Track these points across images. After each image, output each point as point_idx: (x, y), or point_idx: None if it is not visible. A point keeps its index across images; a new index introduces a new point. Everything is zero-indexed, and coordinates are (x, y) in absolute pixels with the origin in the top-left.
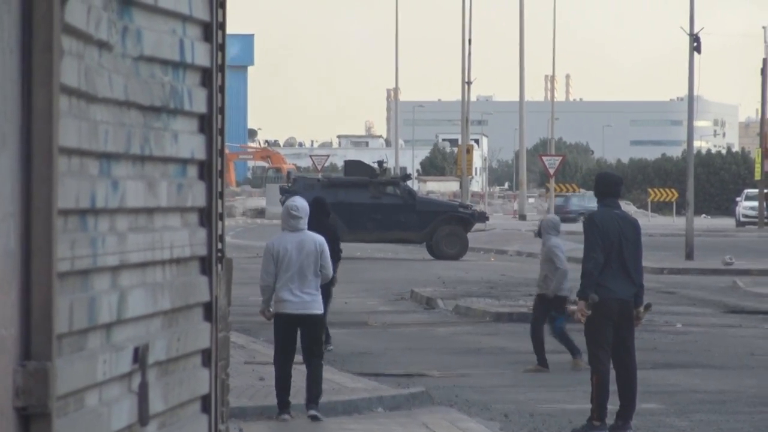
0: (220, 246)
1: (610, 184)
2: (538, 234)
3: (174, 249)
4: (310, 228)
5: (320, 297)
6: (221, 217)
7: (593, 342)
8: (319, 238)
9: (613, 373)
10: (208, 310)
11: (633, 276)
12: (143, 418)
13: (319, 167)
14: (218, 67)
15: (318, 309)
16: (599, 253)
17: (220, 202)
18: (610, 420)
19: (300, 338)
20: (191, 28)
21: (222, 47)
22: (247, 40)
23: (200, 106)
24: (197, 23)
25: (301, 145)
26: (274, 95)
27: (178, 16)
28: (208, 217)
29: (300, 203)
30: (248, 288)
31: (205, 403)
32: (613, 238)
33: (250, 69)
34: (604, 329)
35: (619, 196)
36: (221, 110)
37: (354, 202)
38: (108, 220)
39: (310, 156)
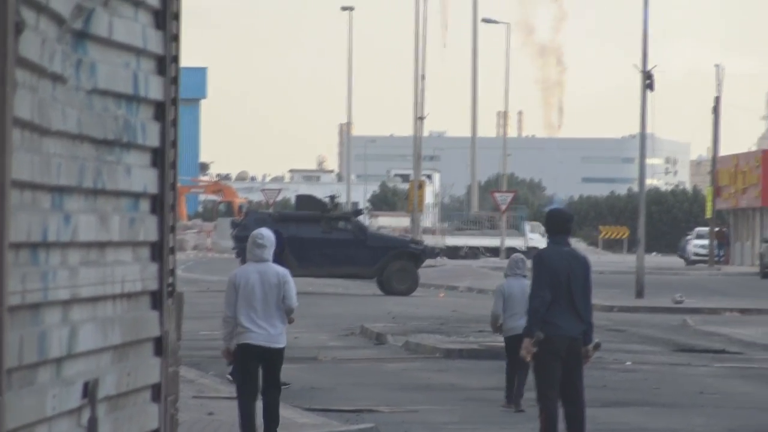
0: (171, 280)
1: (560, 221)
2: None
3: (125, 283)
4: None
5: (284, 330)
6: (172, 251)
7: (541, 380)
8: (282, 270)
9: (561, 411)
10: (159, 345)
11: (581, 313)
12: None
13: (270, 201)
14: (172, 100)
15: (282, 343)
16: (546, 290)
17: (171, 236)
18: None
19: (263, 374)
20: (145, 62)
21: (176, 80)
22: (200, 74)
23: (153, 140)
24: (151, 57)
25: (253, 179)
26: (227, 129)
27: (132, 49)
28: (159, 251)
29: (266, 233)
30: (199, 322)
31: None
32: (562, 275)
33: (202, 102)
34: (552, 367)
35: (569, 233)
36: (174, 144)
37: (305, 236)
38: (59, 254)
39: (262, 190)
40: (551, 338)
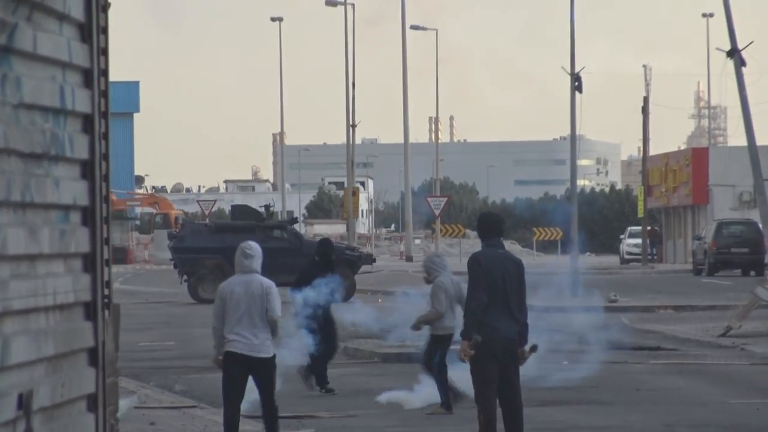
0: (107, 292)
1: (492, 223)
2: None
3: (57, 295)
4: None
5: (269, 340)
6: (107, 262)
7: (479, 381)
8: (266, 281)
9: (500, 411)
10: (94, 356)
11: (517, 315)
12: None
13: (206, 212)
14: (102, 113)
15: (266, 353)
16: (482, 293)
17: (106, 247)
18: None
19: (256, 385)
20: (72, 75)
21: (105, 94)
22: (133, 88)
23: (82, 153)
24: (78, 70)
25: (188, 190)
26: (161, 141)
27: (58, 63)
28: (92, 262)
29: (254, 244)
30: (138, 334)
31: None
32: (498, 277)
33: (136, 116)
34: (490, 368)
35: (501, 235)
36: (105, 157)
37: None
38: None
39: (198, 201)
40: (489, 340)
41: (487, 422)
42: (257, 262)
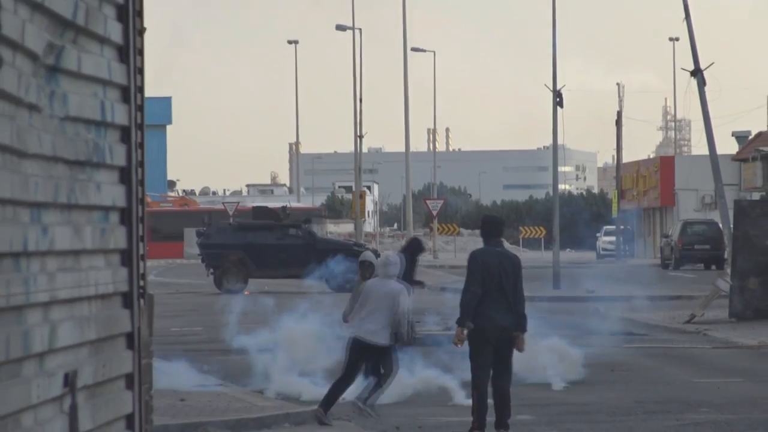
0: (142, 283)
1: (492, 225)
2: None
3: (99, 286)
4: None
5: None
6: (143, 257)
7: (475, 363)
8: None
9: (491, 388)
10: (131, 340)
11: (513, 305)
12: None
13: (231, 213)
14: (138, 125)
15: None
16: (477, 286)
17: (141, 244)
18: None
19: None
20: (111, 92)
21: (141, 108)
22: (166, 102)
23: (120, 160)
24: (116, 87)
25: (214, 193)
26: (191, 150)
27: (99, 81)
28: (129, 257)
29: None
30: (170, 320)
31: (130, 421)
32: (494, 272)
33: (168, 128)
34: (484, 351)
35: (500, 235)
36: (141, 164)
37: (261, 243)
38: (39, 261)
39: (223, 203)
40: (484, 327)
41: (479, 397)
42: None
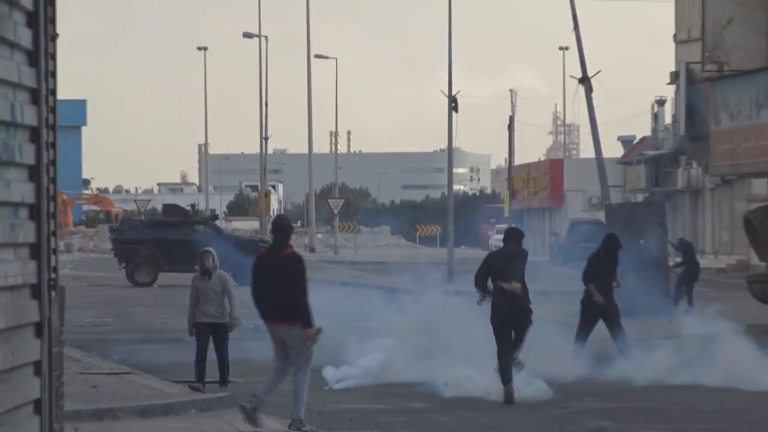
0: (53, 276)
1: (513, 234)
2: None
3: (8, 278)
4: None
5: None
6: (54, 251)
7: (497, 338)
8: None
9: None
10: (39, 329)
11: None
12: None
13: (142, 210)
14: (50, 126)
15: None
16: (480, 273)
17: (53, 239)
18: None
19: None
20: (21, 94)
21: (53, 110)
22: (81, 105)
23: (29, 159)
24: (26, 89)
25: (127, 191)
26: (105, 150)
27: (9, 83)
28: (38, 251)
29: None
30: (83, 311)
31: (38, 406)
32: (501, 265)
33: (83, 129)
34: (503, 330)
35: (516, 241)
36: (53, 162)
37: (171, 239)
38: None
39: (135, 200)
40: (500, 309)
41: (502, 368)
42: None
